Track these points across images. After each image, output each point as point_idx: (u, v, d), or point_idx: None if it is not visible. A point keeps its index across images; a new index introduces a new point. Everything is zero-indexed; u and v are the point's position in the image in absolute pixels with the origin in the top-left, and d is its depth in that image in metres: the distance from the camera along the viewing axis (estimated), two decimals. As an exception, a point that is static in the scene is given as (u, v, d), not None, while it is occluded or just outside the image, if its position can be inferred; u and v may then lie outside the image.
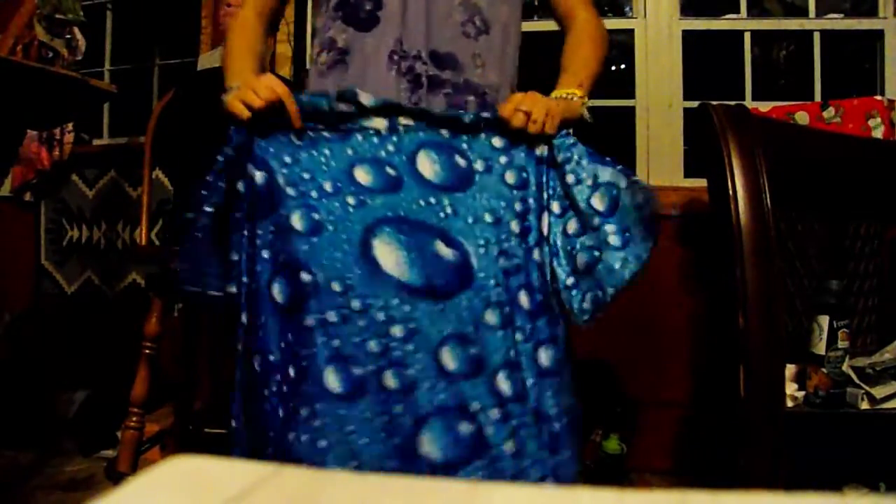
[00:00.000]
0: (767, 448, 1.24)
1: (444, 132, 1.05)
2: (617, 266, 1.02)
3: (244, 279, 1.01)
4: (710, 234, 1.47)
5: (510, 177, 1.05)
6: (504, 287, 1.01)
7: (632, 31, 2.06)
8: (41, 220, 2.39)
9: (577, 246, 1.04)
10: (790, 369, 1.38)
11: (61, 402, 1.93)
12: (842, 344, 1.31)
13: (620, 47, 2.20)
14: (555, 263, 1.04)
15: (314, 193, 1.01)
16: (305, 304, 0.97)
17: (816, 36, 2.02)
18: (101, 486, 1.69)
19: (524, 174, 1.05)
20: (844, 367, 1.32)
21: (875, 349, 1.48)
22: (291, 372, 0.96)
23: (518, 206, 1.04)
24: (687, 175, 2.02)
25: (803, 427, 1.33)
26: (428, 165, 1.04)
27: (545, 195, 1.05)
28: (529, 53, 1.28)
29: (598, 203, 1.03)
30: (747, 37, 2.05)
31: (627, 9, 2.11)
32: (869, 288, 1.59)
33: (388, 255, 0.99)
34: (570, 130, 1.06)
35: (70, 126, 2.25)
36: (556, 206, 1.06)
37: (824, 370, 1.31)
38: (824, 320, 1.31)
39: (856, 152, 1.49)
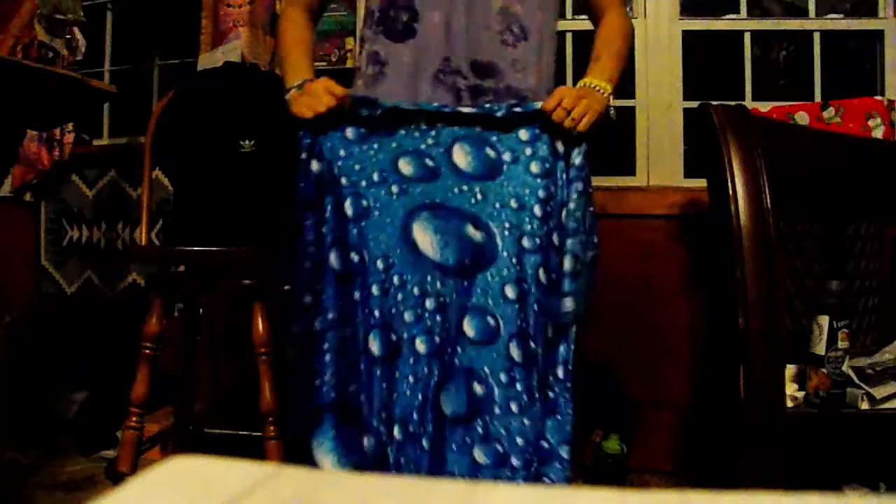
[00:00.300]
0: (767, 448, 1.24)
1: (477, 127, 1.17)
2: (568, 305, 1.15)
3: (304, 259, 1.17)
4: (710, 234, 1.47)
5: (534, 167, 1.16)
6: (523, 266, 1.13)
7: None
8: (41, 220, 2.39)
9: (567, 245, 1.16)
10: (790, 369, 1.38)
11: (61, 402, 1.93)
12: (842, 344, 1.31)
13: (620, 47, 2.20)
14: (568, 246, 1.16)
15: (363, 183, 1.16)
16: (354, 279, 1.13)
17: (816, 36, 2.02)
18: (101, 486, 1.69)
19: (547, 164, 1.16)
20: (844, 368, 1.32)
21: (875, 349, 1.48)
22: (343, 333, 1.13)
23: (541, 193, 1.15)
24: (687, 175, 2.02)
25: (803, 427, 1.33)
26: (462, 157, 1.17)
27: (564, 190, 1.17)
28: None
29: (588, 217, 1.18)
30: (747, 37, 2.05)
31: (628, 9, 2.11)
32: (869, 288, 1.59)
33: (425, 237, 1.14)
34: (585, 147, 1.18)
35: (70, 126, 2.25)
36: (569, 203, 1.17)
37: (824, 370, 1.31)
38: (824, 320, 1.31)
39: (856, 152, 1.49)
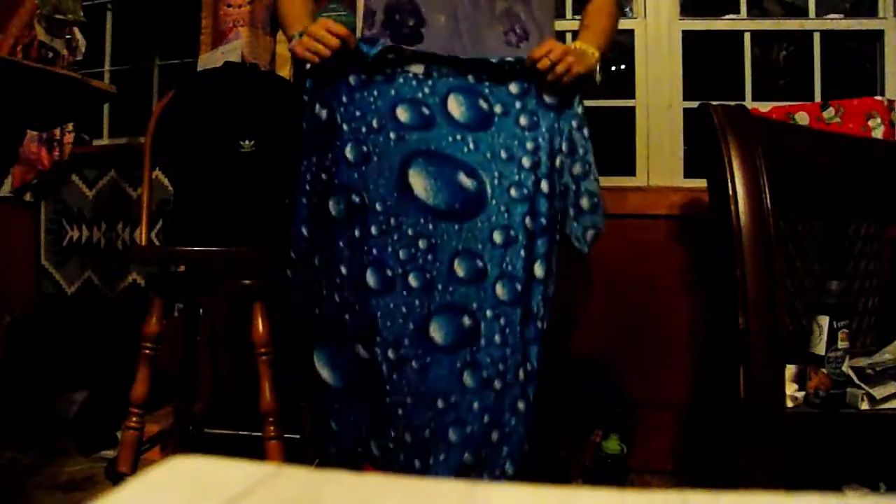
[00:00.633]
0: (767, 448, 1.24)
1: (471, 77, 1.23)
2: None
3: (309, 196, 1.25)
4: (710, 234, 1.47)
5: (523, 120, 1.24)
6: (511, 214, 1.23)
7: (632, 31, 2.06)
8: (41, 220, 2.39)
9: (581, 188, 1.26)
10: (790, 369, 1.38)
11: (61, 402, 1.93)
12: (842, 344, 1.31)
13: (620, 47, 2.20)
14: (566, 196, 1.26)
15: (363, 129, 1.23)
16: (355, 220, 1.22)
17: (816, 36, 2.02)
18: (101, 486, 1.69)
19: (535, 118, 1.25)
20: (844, 368, 1.32)
21: (875, 349, 1.48)
22: (342, 269, 1.23)
23: (529, 145, 1.24)
24: (687, 175, 2.02)
25: (803, 427, 1.33)
26: (456, 107, 1.23)
27: (557, 138, 1.25)
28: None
29: (593, 159, 1.27)
30: (747, 37, 2.05)
31: (627, 9, 2.11)
32: (869, 288, 1.59)
33: (420, 182, 1.22)
34: (581, 97, 1.26)
35: (70, 126, 2.25)
36: (565, 147, 1.26)
37: (824, 370, 1.31)
38: (824, 320, 1.31)
39: (856, 152, 1.49)
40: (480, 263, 1.22)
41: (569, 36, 2.07)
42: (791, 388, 1.36)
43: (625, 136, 2.06)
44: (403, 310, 1.21)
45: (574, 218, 1.27)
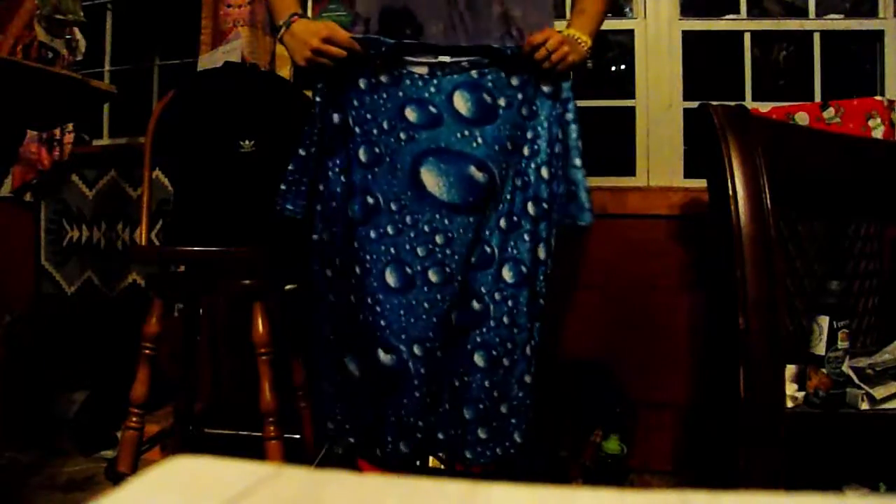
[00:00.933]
0: (767, 448, 1.24)
1: (474, 73, 1.27)
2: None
3: (326, 201, 1.29)
4: (710, 234, 1.47)
5: (524, 110, 1.29)
6: (514, 201, 1.28)
7: (632, 31, 2.06)
8: (41, 221, 2.39)
9: (577, 163, 1.31)
10: (790, 369, 1.38)
11: (61, 402, 1.93)
12: (842, 344, 1.31)
13: (620, 47, 2.20)
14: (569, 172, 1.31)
15: (375, 131, 1.27)
16: (371, 220, 1.25)
17: (816, 36, 2.02)
18: (101, 486, 1.69)
19: (533, 107, 1.30)
20: (844, 368, 1.32)
21: (875, 349, 1.48)
22: (357, 270, 1.26)
23: (529, 134, 1.29)
24: (687, 175, 2.02)
25: (803, 427, 1.33)
26: (462, 103, 1.27)
27: (556, 126, 1.30)
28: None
29: (579, 143, 1.31)
30: (747, 37, 2.05)
31: (627, 9, 2.11)
32: (869, 288, 1.59)
33: (432, 179, 1.25)
34: (571, 82, 1.31)
35: (70, 126, 2.25)
36: (561, 134, 1.30)
37: (824, 370, 1.31)
38: (824, 320, 1.31)
39: (856, 152, 1.49)
40: (489, 249, 1.27)
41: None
42: (791, 388, 1.36)
43: (625, 136, 2.06)
44: (426, 305, 1.24)
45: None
